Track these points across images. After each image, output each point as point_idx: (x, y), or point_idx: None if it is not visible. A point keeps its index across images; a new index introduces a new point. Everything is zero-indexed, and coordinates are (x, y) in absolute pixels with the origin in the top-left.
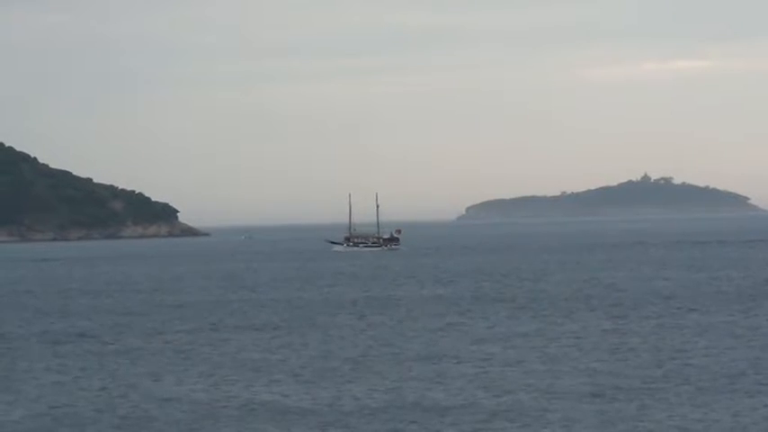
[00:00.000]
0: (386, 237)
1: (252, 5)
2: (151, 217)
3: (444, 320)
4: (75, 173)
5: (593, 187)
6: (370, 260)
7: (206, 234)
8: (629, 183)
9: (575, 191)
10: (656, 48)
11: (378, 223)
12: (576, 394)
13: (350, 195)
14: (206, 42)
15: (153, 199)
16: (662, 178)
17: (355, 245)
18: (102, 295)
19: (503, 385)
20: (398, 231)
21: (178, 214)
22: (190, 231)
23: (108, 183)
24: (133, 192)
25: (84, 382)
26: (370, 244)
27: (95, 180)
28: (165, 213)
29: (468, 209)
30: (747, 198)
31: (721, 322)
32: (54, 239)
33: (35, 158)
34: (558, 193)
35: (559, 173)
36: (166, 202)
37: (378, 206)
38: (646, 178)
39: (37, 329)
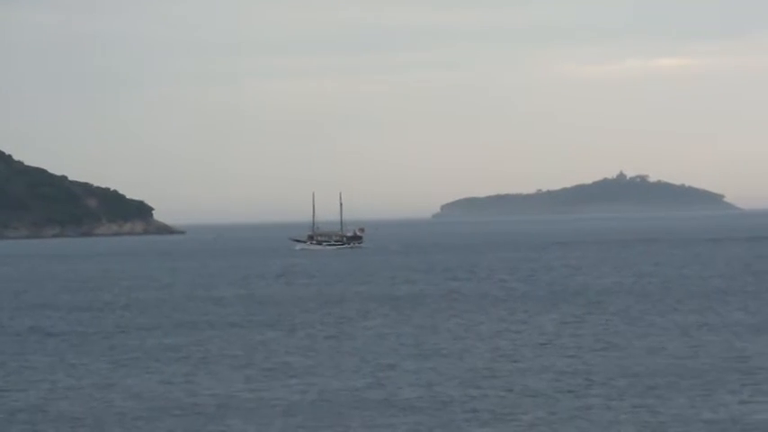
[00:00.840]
0: (349, 235)
1: (229, 4)
2: (126, 214)
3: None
4: (50, 170)
5: (568, 185)
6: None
7: (181, 232)
8: (605, 180)
9: (550, 189)
10: (637, 46)
11: (341, 221)
12: (542, 390)
13: (313, 194)
14: (181, 41)
15: (128, 197)
16: (637, 176)
17: (318, 243)
18: (66, 291)
19: (472, 381)
20: (361, 230)
21: (153, 212)
22: (165, 229)
23: (83, 180)
24: (108, 189)
25: (54, 379)
26: (333, 242)
27: (70, 178)
28: (139, 211)
29: (443, 207)
30: (722, 196)
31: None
32: (28, 237)
33: (10, 156)
34: (534, 191)
35: (535, 171)
36: (141, 199)
37: (341, 204)
38: (621, 176)
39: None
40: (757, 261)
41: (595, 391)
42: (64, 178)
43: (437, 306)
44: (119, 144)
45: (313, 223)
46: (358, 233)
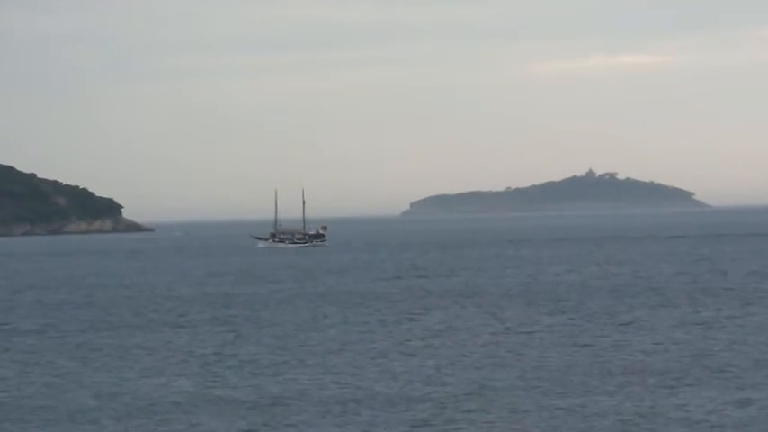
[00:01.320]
0: (311, 233)
1: (195, 1)
2: (95, 212)
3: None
4: (18, 168)
5: (537, 183)
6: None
7: (150, 230)
8: (574, 178)
9: (519, 186)
10: (602, 42)
11: (304, 219)
12: (510, 388)
13: (276, 192)
14: (150, 38)
15: (97, 194)
16: (606, 173)
17: (281, 240)
18: (34, 290)
19: (437, 378)
20: (324, 228)
21: (122, 210)
22: (134, 227)
23: (52, 178)
24: (77, 187)
25: (21, 377)
26: (295, 240)
27: (39, 175)
28: (109, 209)
29: (412, 204)
30: (692, 193)
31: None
32: None
33: None
34: (503, 189)
35: (504, 168)
36: (111, 197)
37: (304, 202)
38: (590, 174)
39: None
40: (712, 258)
41: (564, 387)
42: (33, 176)
43: (394, 303)
44: (88, 142)
45: (275, 221)
46: (321, 231)
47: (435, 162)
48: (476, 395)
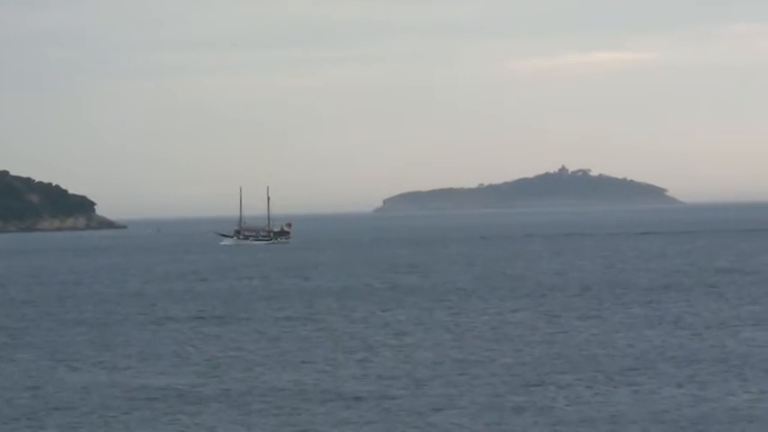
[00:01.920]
0: (276, 230)
1: None
2: (68, 210)
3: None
4: None
5: (510, 179)
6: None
7: (123, 227)
8: (547, 175)
9: (492, 183)
10: (577, 40)
11: (268, 217)
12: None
13: (240, 189)
14: (122, 35)
15: (70, 191)
16: (579, 170)
17: (245, 238)
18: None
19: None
20: (288, 225)
21: (95, 207)
22: (107, 224)
23: (24, 175)
24: (50, 184)
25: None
26: (260, 237)
27: (12, 173)
28: (82, 206)
29: (385, 201)
30: (665, 190)
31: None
32: None
33: None
34: (476, 186)
35: (477, 165)
36: (84, 194)
37: (269, 199)
38: (563, 170)
39: None
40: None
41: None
42: (5, 173)
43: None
44: (61, 139)
45: (240, 218)
46: (285, 228)
47: (408, 159)
48: (454, 391)
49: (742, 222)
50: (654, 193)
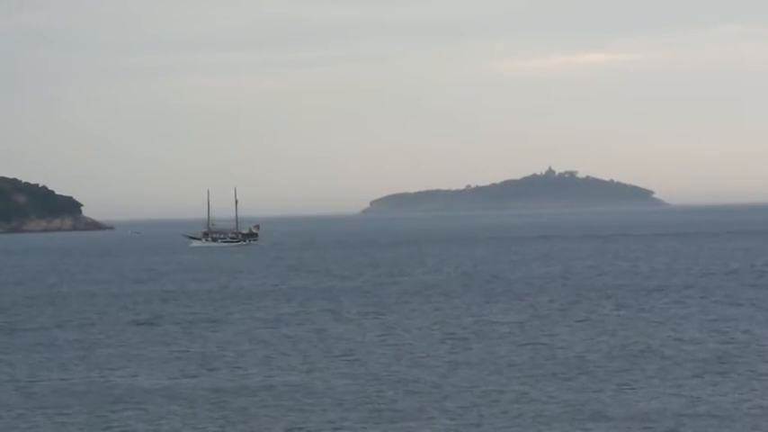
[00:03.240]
0: (244, 232)
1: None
2: (55, 210)
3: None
4: None
5: (497, 181)
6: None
7: (110, 228)
8: (534, 176)
9: (479, 184)
10: (562, 41)
11: (236, 219)
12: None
13: (208, 191)
14: (108, 36)
15: (57, 192)
16: (566, 172)
17: (213, 240)
18: None
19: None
20: (257, 227)
21: (82, 208)
22: (94, 225)
23: (11, 176)
24: (36, 185)
25: None
26: (228, 239)
27: None
28: (68, 207)
29: (372, 202)
30: (652, 192)
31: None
32: None
33: None
34: (463, 187)
35: (464, 166)
36: (70, 195)
37: (236, 201)
38: (550, 172)
39: None
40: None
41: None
42: None
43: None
44: (48, 140)
45: (208, 220)
46: (254, 230)
47: (396, 160)
48: (425, 394)
49: (728, 225)
50: (641, 194)
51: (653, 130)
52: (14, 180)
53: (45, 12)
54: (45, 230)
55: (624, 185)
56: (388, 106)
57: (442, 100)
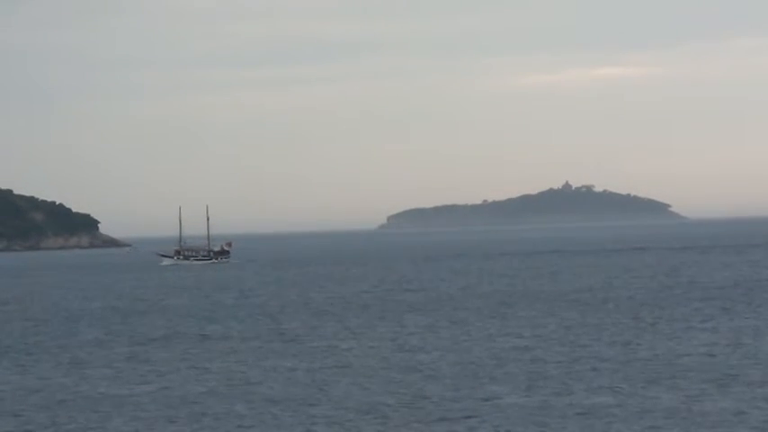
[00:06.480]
0: (216, 249)
1: (156, 18)
2: (72, 228)
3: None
4: None
5: (514, 196)
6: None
7: (128, 245)
8: (551, 191)
9: (496, 199)
10: (579, 55)
11: (208, 236)
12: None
13: (180, 208)
14: (122, 54)
15: (74, 210)
16: (583, 186)
17: (185, 258)
18: None
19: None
20: (228, 244)
21: (99, 225)
22: (111, 242)
23: (28, 194)
24: (54, 203)
25: None
26: (200, 257)
27: (15, 191)
28: (85, 224)
29: (389, 218)
30: (668, 205)
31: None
32: None
33: None
34: (480, 202)
35: (481, 181)
36: (87, 212)
37: (208, 219)
38: (567, 186)
39: None
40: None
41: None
42: (9, 192)
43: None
44: (65, 157)
45: (180, 238)
46: (225, 248)
47: (412, 175)
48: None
49: (745, 237)
50: (657, 208)
51: (670, 144)
52: (32, 198)
53: (68, 30)
54: (62, 248)
55: (641, 199)
56: (405, 121)
57: (459, 115)
